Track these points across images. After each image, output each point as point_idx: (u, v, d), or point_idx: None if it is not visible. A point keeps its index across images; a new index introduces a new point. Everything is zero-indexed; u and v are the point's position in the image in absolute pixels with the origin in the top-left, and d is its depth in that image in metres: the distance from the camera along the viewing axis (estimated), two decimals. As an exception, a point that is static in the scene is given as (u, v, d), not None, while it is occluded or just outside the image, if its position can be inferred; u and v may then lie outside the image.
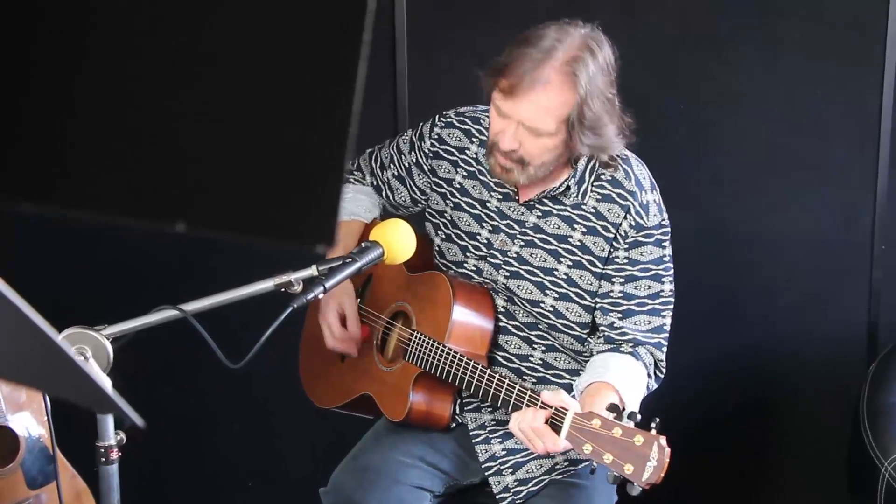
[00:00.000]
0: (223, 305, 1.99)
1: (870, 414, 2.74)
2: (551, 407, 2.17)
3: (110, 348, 1.83)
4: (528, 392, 2.25)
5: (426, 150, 2.60)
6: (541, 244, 2.47)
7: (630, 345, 2.40)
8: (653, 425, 2.06)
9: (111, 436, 1.93)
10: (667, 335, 2.45)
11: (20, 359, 1.05)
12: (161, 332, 1.97)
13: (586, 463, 2.52)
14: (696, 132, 3.23)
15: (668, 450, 2.03)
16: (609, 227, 2.41)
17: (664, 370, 2.45)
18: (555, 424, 2.15)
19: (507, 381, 2.30)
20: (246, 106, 0.79)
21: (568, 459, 2.51)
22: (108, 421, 1.93)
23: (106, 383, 1.61)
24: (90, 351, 1.82)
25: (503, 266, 2.49)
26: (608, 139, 2.36)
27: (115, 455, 1.94)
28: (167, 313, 1.95)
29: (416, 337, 2.48)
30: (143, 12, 0.84)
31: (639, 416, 2.08)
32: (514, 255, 2.48)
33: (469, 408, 2.55)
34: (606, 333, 2.42)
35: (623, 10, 3.15)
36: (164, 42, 0.83)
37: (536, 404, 2.21)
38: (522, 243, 2.48)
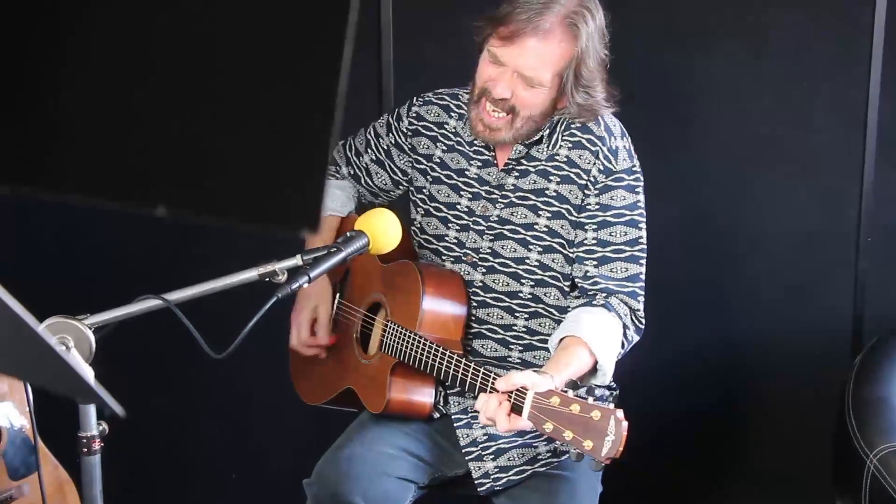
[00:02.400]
0: (207, 295, 1.97)
1: (855, 406, 2.74)
2: (509, 392, 2.16)
3: (93, 338, 1.81)
4: (491, 376, 2.24)
5: (404, 130, 2.61)
6: (520, 202, 2.48)
7: (603, 295, 2.39)
8: (610, 399, 2.05)
9: (93, 426, 1.91)
10: (642, 284, 2.44)
11: (1, 348, 1.03)
12: (144, 322, 1.95)
13: (568, 455, 2.52)
14: (681, 124, 3.22)
15: (625, 423, 2.02)
16: (581, 173, 2.42)
17: (643, 321, 2.44)
18: (517, 405, 2.14)
19: (472, 365, 2.30)
20: (229, 88, 0.77)
21: (551, 451, 2.51)
22: (91, 411, 1.91)
23: (88, 373, 1.60)
24: (72, 340, 1.80)
25: (486, 231, 2.50)
26: (598, 101, 2.39)
27: (97, 445, 1.92)
28: (150, 303, 1.93)
29: (389, 327, 2.47)
30: (127, 1, 0.83)
31: (596, 391, 2.07)
32: (496, 219, 2.50)
33: (452, 392, 2.54)
34: (580, 284, 2.43)
35: (610, 2, 3.14)
36: (148, 26, 0.82)
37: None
38: (503, 205, 2.49)
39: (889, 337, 2.96)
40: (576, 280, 2.45)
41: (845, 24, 3.09)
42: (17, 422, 2.46)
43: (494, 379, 2.22)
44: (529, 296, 2.50)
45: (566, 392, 2.08)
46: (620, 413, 2.03)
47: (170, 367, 3.38)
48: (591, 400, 2.05)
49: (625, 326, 2.39)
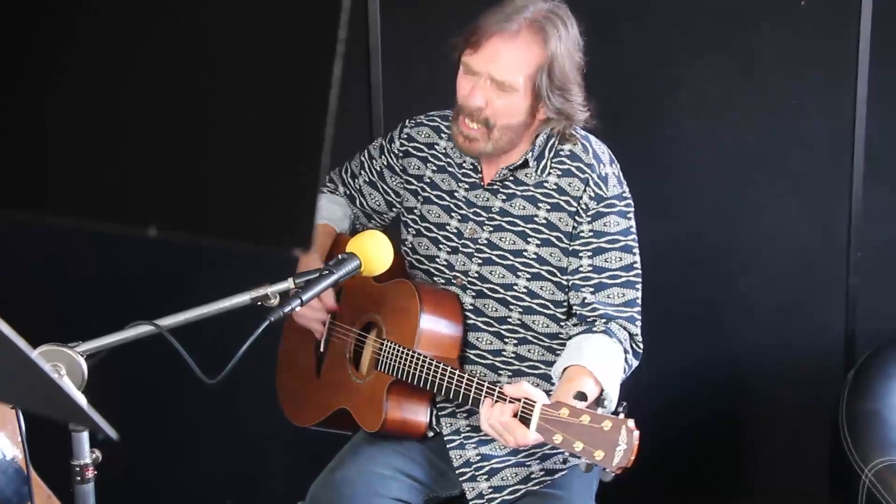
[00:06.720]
0: (199, 320, 1.97)
1: (849, 421, 2.74)
2: (518, 400, 2.16)
3: (84, 365, 1.80)
4: (497, 389, 2.24)
5: (396, 151, 2.63)
6: (508, 227, 2.48)
7: (603, 321, 2.39)
8: (620, 409, 2.05)
9: (86, 454, 1.90)
10: (639, 309, 2.44)
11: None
12: (136, 349, 1.95)
13: (563, 472, 2.52)
14: (671, 142, 3.23)
15: (636, 432, 2.03)
16: (571, 201, 2.42)
17: (641, 346, 2.44)
18: (524, 417, 2.14)
19: (476, 379, 2.30)
20: (221, 108, 0.77)
21: (544, 469, 2.50)
22: (84, 439, 1.90)
23: (80, 400, 1.59)
24: (64, 368, 1.79)
25: (475, 254, 2.50)
26: (575, 106, 2.39)
27: (90, 474, 1.91)
28: (142, 329, 1.92)
29: (386, 346, 2.47)
30: (116, 21, 0.83)
31: (606, 402, 2.08)
32: (485, 242, 2.50)
33: (444, 413, 2.54)
34: (578, 312, 2.42)
35: (600, 20, 3.15)
36: (139, 48, 0.82)
37: (505, 401, 2.20)
38: (491, 229, 2.49)
39: (881, 351, 2.97)
40: (573, 307, 2.45)
41: (831, 42, 3.11)
42: (9, 452, 2.44)
43: (501, 393, 2.22)
44: (518, 322, 2.49)
45: (575, 404, 2.08)
46: (632, 423, 2.04)
47: (162, 393, 3.37)
48: (600, 411, 2.06)
49: (625, 352, 2.39)
